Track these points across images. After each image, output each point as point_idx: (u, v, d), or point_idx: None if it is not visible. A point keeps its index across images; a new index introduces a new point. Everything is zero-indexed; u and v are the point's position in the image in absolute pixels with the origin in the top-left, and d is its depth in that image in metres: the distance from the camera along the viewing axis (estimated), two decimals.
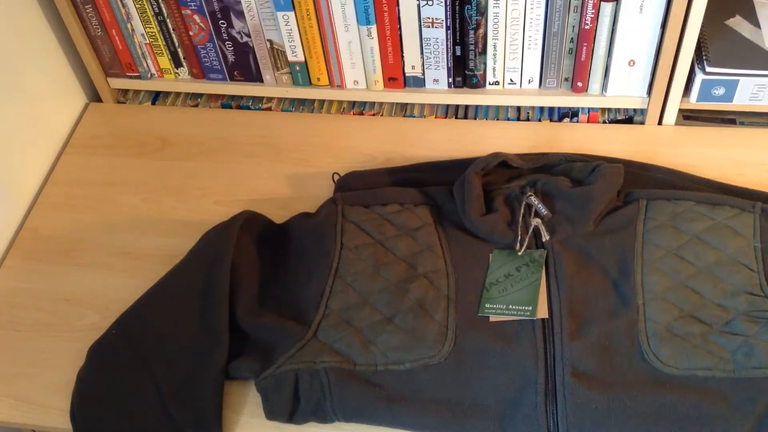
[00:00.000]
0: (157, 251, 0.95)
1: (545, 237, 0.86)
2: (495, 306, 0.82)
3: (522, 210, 0.87)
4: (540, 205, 0.87)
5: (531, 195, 0.88)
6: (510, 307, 0.81)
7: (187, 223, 0.97)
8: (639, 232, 0.85)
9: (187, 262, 0.87)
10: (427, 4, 0.97)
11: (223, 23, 1.04)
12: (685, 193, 0.88)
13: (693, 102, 1.01)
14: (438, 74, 1.05)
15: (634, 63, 0.99)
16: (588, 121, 1.07)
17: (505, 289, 0.83)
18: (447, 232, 0.88)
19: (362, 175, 0.96)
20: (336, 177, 0.97)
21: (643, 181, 0.93)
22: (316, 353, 0.78)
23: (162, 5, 1.04)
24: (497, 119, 1.09)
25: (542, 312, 0.80)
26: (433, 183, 0.93)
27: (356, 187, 0.94)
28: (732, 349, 0.76)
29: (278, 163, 1.04)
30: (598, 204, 0.86)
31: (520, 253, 0.85)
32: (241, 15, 1.03)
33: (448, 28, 0.99)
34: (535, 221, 0.86)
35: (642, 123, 1.05)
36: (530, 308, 0.81)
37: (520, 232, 0.86)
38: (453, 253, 0.87)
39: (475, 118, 1.09)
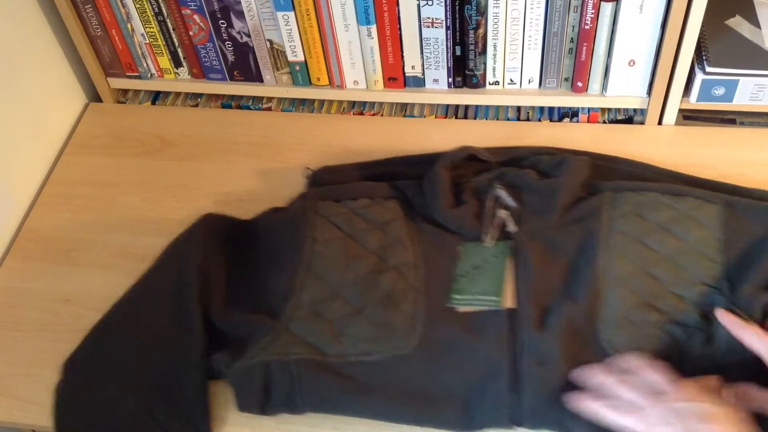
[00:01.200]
0: (157, 251, 0.94)
1: (512, 228, 0.86)
2: (462, 297, 0.82)
3: (490, 202, 0.88)
4: (508, 198, 0.88)
5: (499, 187, 0.89)
6: (477, 297, 0.82)
7: (187, 223, 0.97)
8: (604, 221, 0.86)
9: (156, 269, 0.88)
10: (427, 4, 0.97)
11: (223, 23, 1.04)
12: (650, 185, 0.89)
13: (693, 102, 1.01)
14: (438, 74, 1.05)
15: (634, 63, 0.99)
16: (588, 121, 1.07)
17: (472, 280, 0.84)
18: (417, 225, 0.89)
19: (334, 169, 0.97)
20: (308, 172, 0.98)
21: (611, 174, 0.94)
22: (287, 345, 0.79)
23: (162, 5, 1.04)
24: (497, 119, 1.08)
25: (509, 302, 0.81)
26: (405, 177, 0.94)
27: (328, 181, 0.95)
28: (684, 339, 0.76)
29: (278, 163, 1.04)
30: (563, 196, 0.87)
31: (488, 245, 0.86)
32: (241, 15, 1.03)
33: (448, 28, 0.99)
34: (503, 213, 0.87)
35: (642, 123, 1.05)
36: (497, 298, 0.81)
37: (488, 224, 0.87)
38: (423, 246, 0.87)
39: (475, 118, 1.09)
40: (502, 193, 0.88)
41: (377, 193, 0.92)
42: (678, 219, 0.85)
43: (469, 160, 0.93)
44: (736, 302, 0.77)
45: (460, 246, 0.87)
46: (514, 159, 0.94)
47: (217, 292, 0.85)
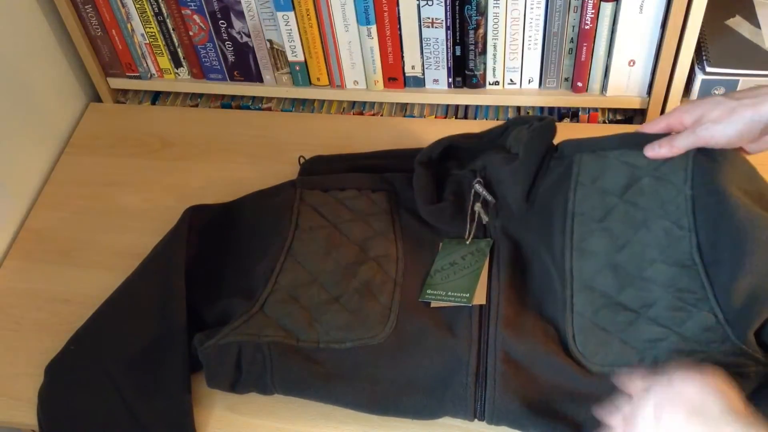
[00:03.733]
0: None
1: (484, 220, 0.86)
2: (435, 292, 0.83)
3: (471, 198, 0.88)
4: (485, 192, 0.87)
5: (477, 182, 0.88)
6: (449, 293, 0.82)
7: None
8: (569, 210, 0.81)
9: (141, 271, 0.88)
10: (427, 4, 0.97)
11: (223, 23, 1.04)
12: (610, 140, 0.82)
13: None
14: (438, 74, 1.05)
15: (634, 63, 0.99)
16: (588, 121, 1.07)
17: (447, 276, 0.84)
18: (402, 218, 0.89)
19: (327, 159, 0.98)
20: (302, 159, 0.98)
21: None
22: (260, 327, 0.79)
23: (162, 5, 1.04)
24: (497, 119, 1.09)
25: (479, 299, 0.81)
26: (395, 170, 0.94)
27: (320, 171, 0.96)
28: (654, 340, 0.73)
29: (278, 163, 1.03)
30: (522, 178, 0.84)
31: (468, 242, 0.86)
32: (241, 15, 1.03)
33: (448, 28, 0.99)
34: (477, 207, 0.87)
35: (642, 123, 1.05)
36: (467, 295, 0.81)
37: (468, 221, 0.87)
38: (405, 239, 0.87)
39: (475, 118, 1.09)
40: (480, 189, 0.87)
41: (365, 184, 0.92)
42: (641, 181, 0.78)
43: (452, 149, 0.92)
44: (723, 307, 0.72)
45: (442, 241, 0.87)
46: (493, 138, 0.91)
47: (203, 285, 0.85)
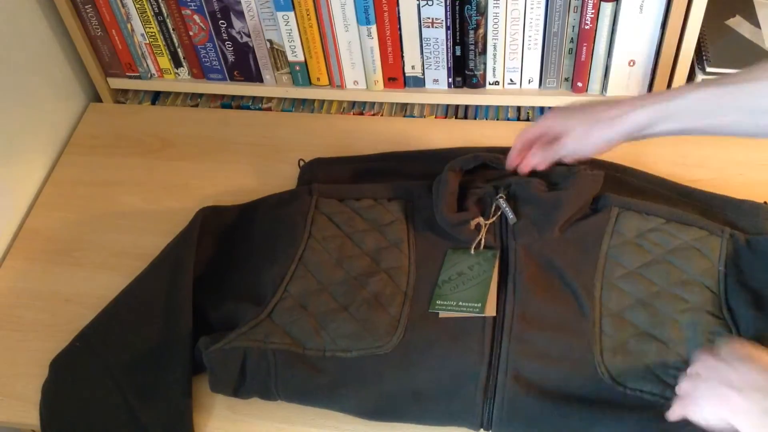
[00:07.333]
0: (156, 251, 0.94)
1: (482, 233, 0.85)
2: (445, 303, 0.82)
3: (492, 211, 0.87)
4: (507, 209, 0.86)
5: (501, 197, 0.87)
6: (460, 304, 0.81)
7: (187, 223, 0.97)
8: (603, 249, 0.84)
9: (150, 271, 0.88)
10: (427, 4, 0.97)
11: (223, 23, 1.04)
12: (657, 208, 0.86)
13: None
14: (438, 74, 1.05)
15: (634, 63, 0.99)
16: None
17: (456, 286, 0.83)
18: (417, 228, 0.89)
19: (326, 161, 0.98)
20: (301, 162, 0.98)
21: (620, 186, 0.91)
22: (267, 333, 0.79)
23: (162, 5, 1.04)
24: (497, 119, 1.09)
25: (490, 310, 0.80)
26: (397, 173, 0.94)
27: (319, 174, 0.96)
28: (681, 369, 0.73)
29: (278, 163, 1.04)
30: (565, 211, 0.85)
31: (472, 252, 0.85)
32: (241, 15, 1.03)
33: (448, 28, 0.99)
34: (480, 220, 0.86)
35: None
36: (479, 305, 0.80)
37: (482, 233, 0.86)
38: (418, 250, 0.87)
39: (475, 118, 1.09)
40: (503, 204, 0.86)
41: (381, 194, 0.91)
42: (681, 250, 0.83)
43: (483, 166, 0.91)
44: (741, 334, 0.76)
45: (447, 251, 0.86)
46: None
47: (212, 287, 0.85)
